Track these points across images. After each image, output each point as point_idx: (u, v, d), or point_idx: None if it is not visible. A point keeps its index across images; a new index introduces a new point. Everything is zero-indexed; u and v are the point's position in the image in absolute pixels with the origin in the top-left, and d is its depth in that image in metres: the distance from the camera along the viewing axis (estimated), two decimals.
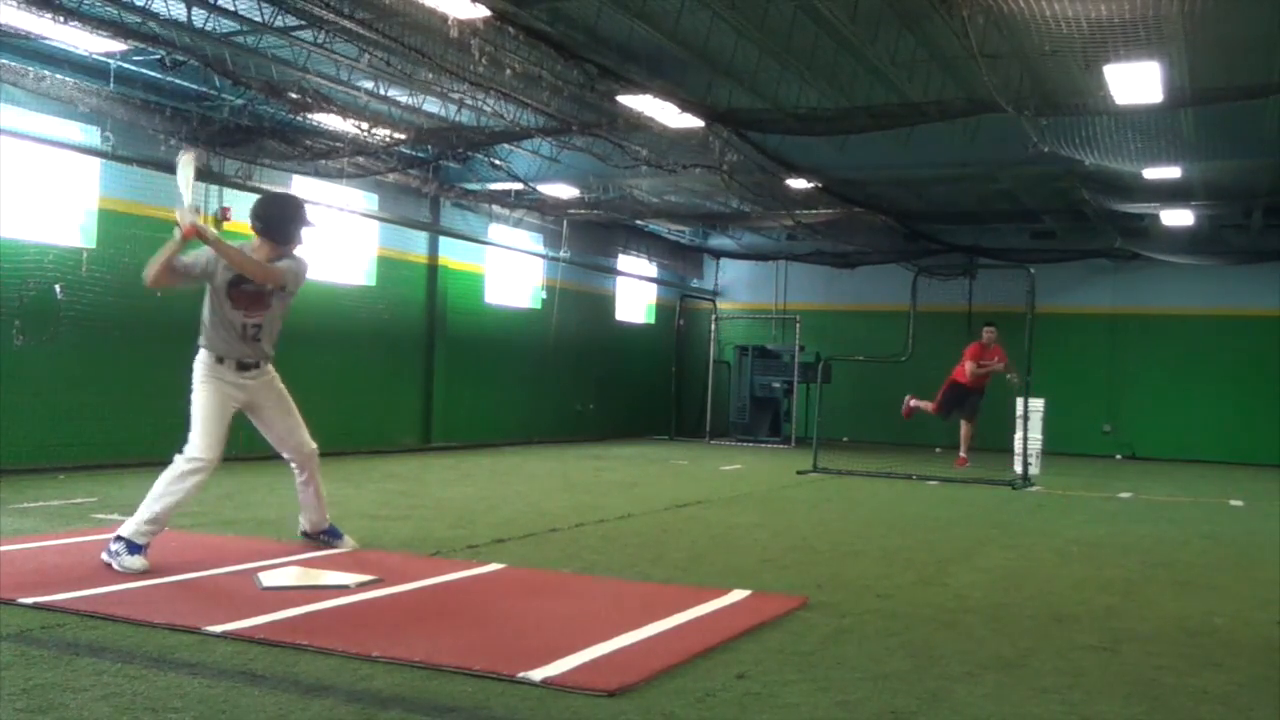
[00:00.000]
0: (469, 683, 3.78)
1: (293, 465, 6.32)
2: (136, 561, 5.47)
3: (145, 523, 5.57)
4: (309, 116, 11.58)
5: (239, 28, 9.74)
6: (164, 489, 5.66)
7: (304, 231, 6.11)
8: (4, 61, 9.35)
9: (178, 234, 5.66)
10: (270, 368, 6.13)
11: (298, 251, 6.15)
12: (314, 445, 6.30)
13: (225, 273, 5.85)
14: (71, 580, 5.15)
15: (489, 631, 4.54)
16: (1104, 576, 6.57)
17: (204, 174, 11.67)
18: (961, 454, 15.04)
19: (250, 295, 5.90)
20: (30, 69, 9.51)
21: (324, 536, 6.48)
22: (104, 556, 5.54)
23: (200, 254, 5.86)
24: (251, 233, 6.11)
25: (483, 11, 8.17)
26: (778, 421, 19.77)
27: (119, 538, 5.55)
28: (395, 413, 14.99)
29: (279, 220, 6.05)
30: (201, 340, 5.95)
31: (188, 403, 5.89)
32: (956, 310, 19.22)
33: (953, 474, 13.40)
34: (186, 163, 5.98)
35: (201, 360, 5.92)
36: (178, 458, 5.73)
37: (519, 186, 14.92)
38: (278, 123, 11.81)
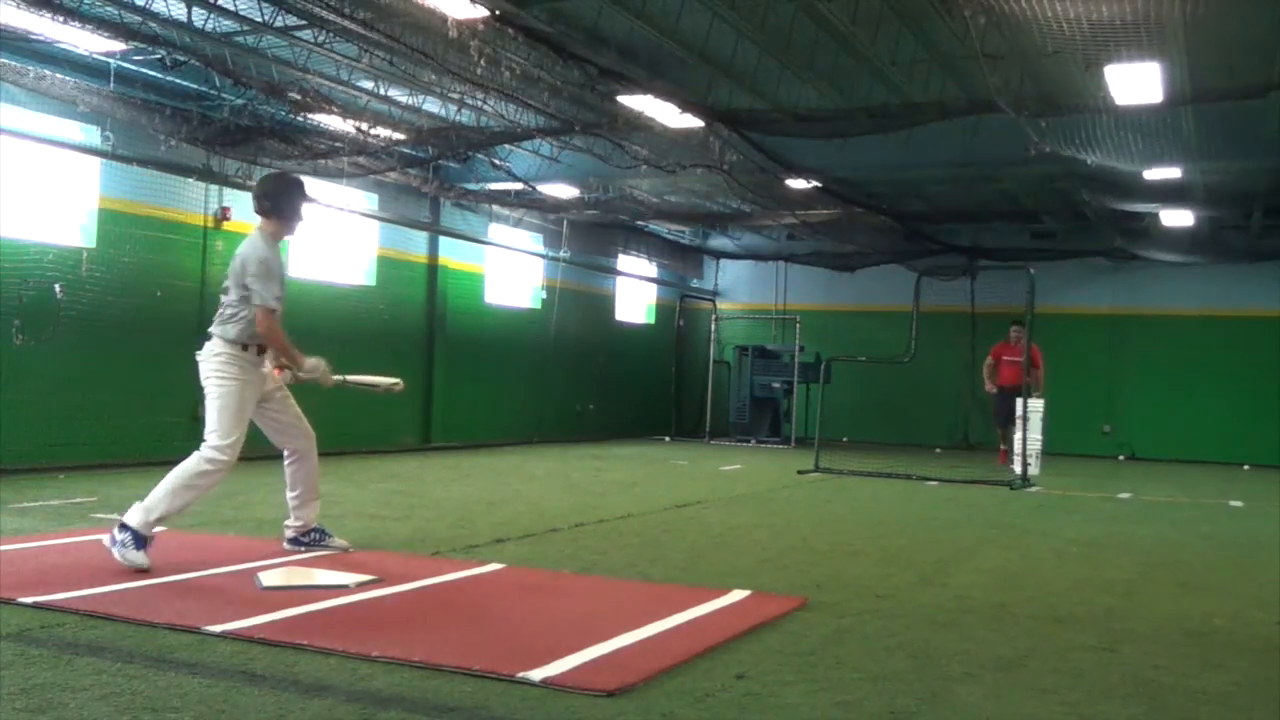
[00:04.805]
0: (469, 683, 3.78)
1: (290, 453, 6.21)
2: (140, 557, 5.45)
3: (158, 519, 5.57)
4: (309, 116, 11.58)
5: (239, 28, 9.74)
6: (184, 483, 5.63)
7: (305, 208, 6.22)
8: (4, 61, 9.35)
9: (314, 370, 6.11)
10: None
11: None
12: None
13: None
14: (71, 580, 5.15)
15: (489, 631, 4.54)
16: (1103, 577, 6.57)
17: (205, 174, 11.69)
18: (1004, 447, 15.15)
19: None
20: (30, 68, 9.51)
21: (315, 535, 6.31)
22: (106, 542, 5.52)
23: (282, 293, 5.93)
24: (259, 215, 6.14)
25: (482, 12, 8.18)
26: (777, 422, 19.76)
27: (125, 527, 5.50)
28: (395, 412, 14.97)
29: (286, 198, 6.11)
30: (231, 332, 5.85)
31: (202, 396, 5.86)
32: (956, 310, 19.22)
33: (952, 474, 13.38)
34: (389, 386, 6.77)
35: (232, 354, 5.84)
36: (197, 454, 5.69)
37: (519, 186, 14.91)
38: (278, 123, 11.81)
